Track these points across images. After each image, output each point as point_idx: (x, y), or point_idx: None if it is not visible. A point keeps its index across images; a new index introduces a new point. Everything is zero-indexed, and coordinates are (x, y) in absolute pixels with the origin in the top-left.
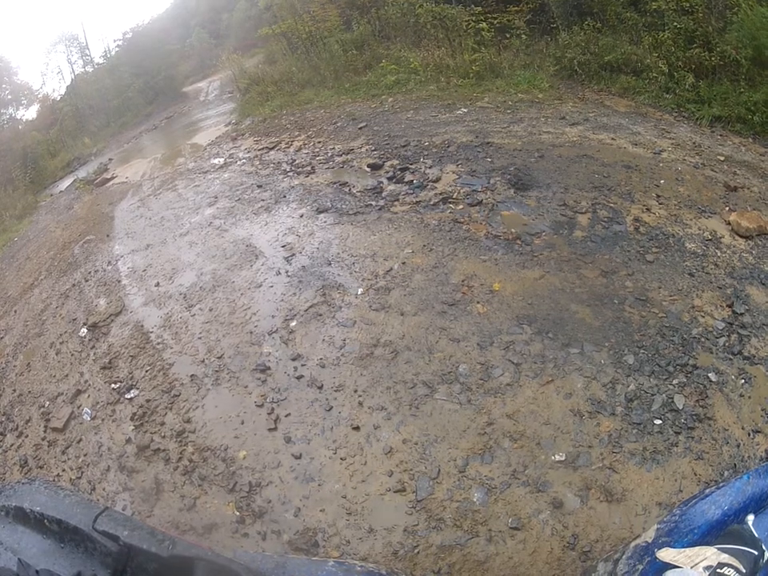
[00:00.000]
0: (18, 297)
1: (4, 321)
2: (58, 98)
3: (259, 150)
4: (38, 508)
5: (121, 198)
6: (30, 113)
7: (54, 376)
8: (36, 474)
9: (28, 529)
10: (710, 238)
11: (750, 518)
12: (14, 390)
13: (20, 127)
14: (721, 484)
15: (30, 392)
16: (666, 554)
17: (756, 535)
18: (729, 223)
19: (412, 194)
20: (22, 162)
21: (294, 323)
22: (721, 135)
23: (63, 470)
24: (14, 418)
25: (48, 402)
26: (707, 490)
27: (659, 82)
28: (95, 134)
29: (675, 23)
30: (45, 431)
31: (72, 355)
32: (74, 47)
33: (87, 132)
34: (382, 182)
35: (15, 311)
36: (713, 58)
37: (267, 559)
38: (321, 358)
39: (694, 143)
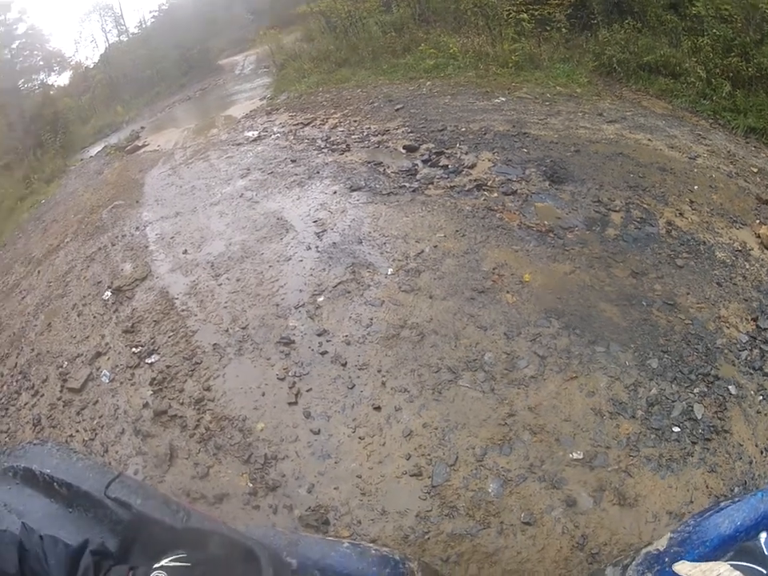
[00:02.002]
0: (42, 258)
1: (27, 281)
2: (91, 66)
3: (294, 125)
4: (48, 470)
5: (152, 166)
6: (62, 79)
7: (75, 337)
8: (49, 433)
9: (36, 491)
10: (739, 249)
11: (763, 535)
12: (33, 350)
13: (51, 93)
14: (735, 499)
15: (48, 352)
16: (681, 567)
17: (767, 554)
18: (759, 236)
19: (447, 178)
20: (52, 126)
21: (321, 299)
22: (755, 147)
23: (77, 431)
24: (30, 377)
25: (66, 363)
26: (722, 504)
27: (697, 87)
28: (128, 102)
29: (714, 30)
30: (61, 391)
31: (94, 317)
32: (108, 17)
33: (120, 100)
34: (416, 165)
35: (39, 272)
36: (750, 69)
37: (280, 536)
38: (346, 336)
39: (728, 152)
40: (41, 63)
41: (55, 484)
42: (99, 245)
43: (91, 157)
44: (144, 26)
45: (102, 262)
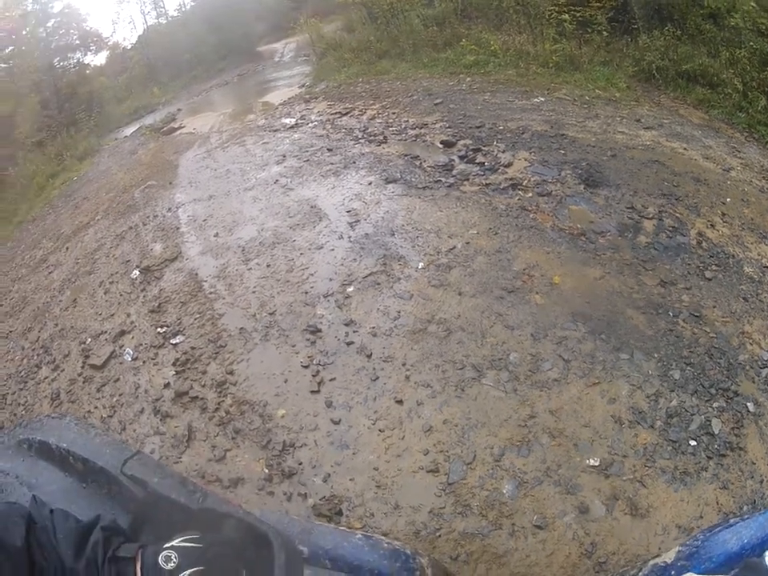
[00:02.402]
0: (71, 234)
1: (55, 257)
2: (129, 47)
3: (332, 114)
4: (64, 444)
5: (187, 148)
6: (98, 59)
7: (100, 314)
8: (67, 408)
9: (50, 464)
10: (767, 265)
11: None
12: (56, 324)
13: (87, 72)
14: (745, 516)
15: (72, 327)
16: None
17: None
18: None
19: (482, 175)
20: (87, 105)
21: (351, 289)
22: None
23: (95, 408)
24: (52, 352)
25: (90, 339)
26: (731, 520)
27: (733, 99)
28: (165, 84)
29: (752, 43)
30: (82, 367)
31: (121, 296)
32: None
33: (156, 82)
34: (453, 160)
35: (67, 248)
36: None
37: (294, 523)
38: (373, 327)
39: (762, 166)
40: (77, 42)
41: (71, 458)
42: (130, 224)
43: (126, 137)
44: (184, 9)
45: (132, 241)
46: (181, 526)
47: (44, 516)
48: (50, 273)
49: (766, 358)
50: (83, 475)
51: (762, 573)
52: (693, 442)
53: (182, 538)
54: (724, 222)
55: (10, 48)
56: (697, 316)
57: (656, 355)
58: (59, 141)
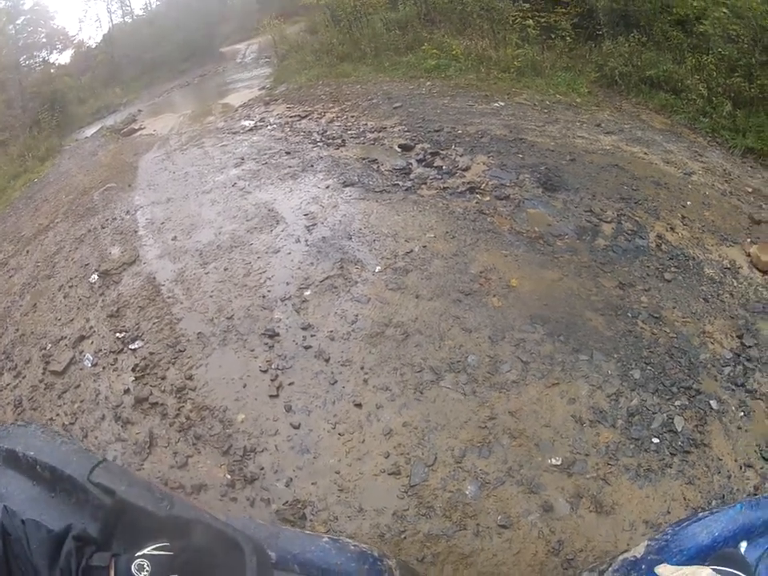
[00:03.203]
0: (31, 237)
1: (15, 260)
2: (94, 46)
3: (291, 117)
4: (31, 453)
5: (146, 150)
6: (63, 57)
7: (60, 319)
8: (29, 415)
9: (18, 473)
10: (728, 266)
11: (743, 544)
12: (17, 330)
13: (52, 71)
14: (714, 510)
15: (32, 333)
16: (663, 570)
17: (748, 561)
18: (749, 255)
19: (440, 179)
20: (51, 105)
21: (308, 292)
22: (751, 167)
23: (57, 415)
24: (13, 358)
25: (50, 345)
26: (700, 514)
27: (697, 105)
28: (127, 84)
29: (720, 49)
30: (43, 373)
31: (80, 300)
32: None
33: (119, 82)
34: (411, 164)
35: (27, 251)
36: (752, 89)
37: (260, 528)
38: (331, 331)
39: (724, 170)
40: (44, 41)
41: (38, 467)
42: (89, 227)
43: (87, 137)
44: (149, 8)
45: (90, 244)
46: (150, 533)
47: (16, 527)
48: (10, 277)
49: (728, 357)
50: (51, 484)
51: (738, 562)
52: (655, 440)
53: (153, 546)
54: (684, 224)
55: None
56: (656, 317)
57: (615, 356)
58: (22, 141)
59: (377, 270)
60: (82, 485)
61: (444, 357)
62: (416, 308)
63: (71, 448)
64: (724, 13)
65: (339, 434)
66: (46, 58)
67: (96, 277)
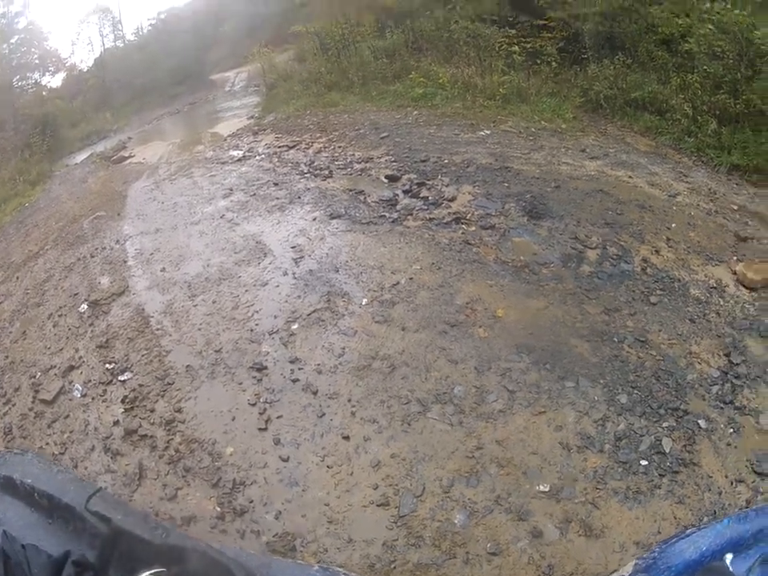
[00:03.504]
0: (21, 264)
1: (5, 286)
2: (85, 69)
3: (279, 147)
4: (29, 480)
5: (136, 178)
6: (55, 80)
7: (49, 348)
8: (19, 443)
9: (16, 500)
10: (714, 286)
11: (729, 556)
12: (7, 357)
13: (44, 93)
14: (702, 526)
15: (22, 360)
16: None
17: (734, 572)
18: (735, 273)
19: (426, 210)
20: (42, 128)
21: (295, 326)
22: (737, 184)
23: (47, 444)
24: (3, 385)
25: (39, 374)
26: (688, 531)
27: (682, 125)
28: (118, 109)
29: (705, 67)
30: (33, 402)
31: (69, 330)
32: (107, 20)
33: (110, 107)
34: (397, 195)
35: (17, 278)
36: (738, 106)
37: (252, 557)
38: (318, 364)
39: (709, 189)
40: (36, 62)
41: (36, 494)
42: (78, 255)
43: (77, 163)
44: (141, 33)
45: (80, 273)
46: (146, 560)
47: (17, 551)
48: (0, 303)
49: (715, 375)
50: (49, 511)
51: (725, 574)
52: (644, 462)
53: (148, 573)
54: (669, 246)
55: None
56: (642, 341)
57: (602, 381)
58: (13, 164)
59: (363, 303)
60: (79, 513)
61: (430, 388)
62: (402, 340)
63: (68, 477)
64: (710, 29)
65: (328, 467)
66: (39, 80)
67: (85, 306)
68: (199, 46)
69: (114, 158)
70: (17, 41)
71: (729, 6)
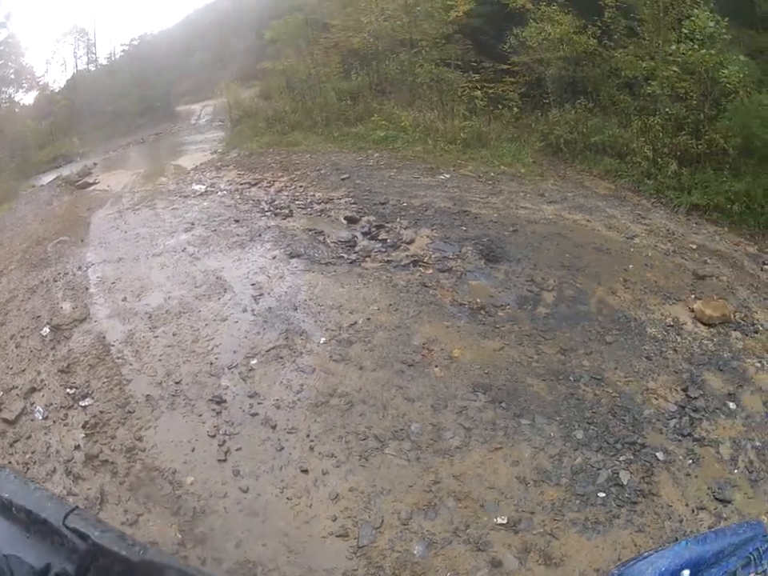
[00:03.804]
0: None
1: None
2: (57, 90)
3: (241, 184)
4: (6, 494)
5: (100, 206)
6: (28, 98)
7: (11, 368)
8: None
9: None
10: (671, 324)
11: (686, 572)
12: None
13: (16, 110)
14: (659, 548)
15: None
16: None
17: None
18: (693, 310)
19: (384, 252)
20: (11, 147)
21: (254, 361)
22: (696, 223)
23: (9, 462)
24: None
25: (1, 393)
26: (645, 553)
27: (642, 167)
28: (85, 134)
29: (667, 109)
30: None
31: (31, 352)
32: (81, 42)
33: (78, 131)
34: (356, 236)
35: None
36: (699, 146)
37: None
38: (277, 399)
39: (668, 230)
40: (12, 77)
41: (14, 509)
42: (42, 278)
43: (42, 185)
44: (113, 58)
45: (43, 296)
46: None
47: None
48: None
49: (673, 410)
50: (26, 525)
51: None
52: (602, 494)
53: None
54: (626, 287)
55: None
56: (598, 378)
57: (558, 418)
58: None
59: (321, 342)
60: (57, 528)
61: (388, 425)
62: (360, 378)
63: (45, 494)
64: (674, 71)
65: (287, 498)
66: (13, 96)
67: (47, 330)
68: (168, 75)
69: (79, 182)
70: None
71: (696, 47)
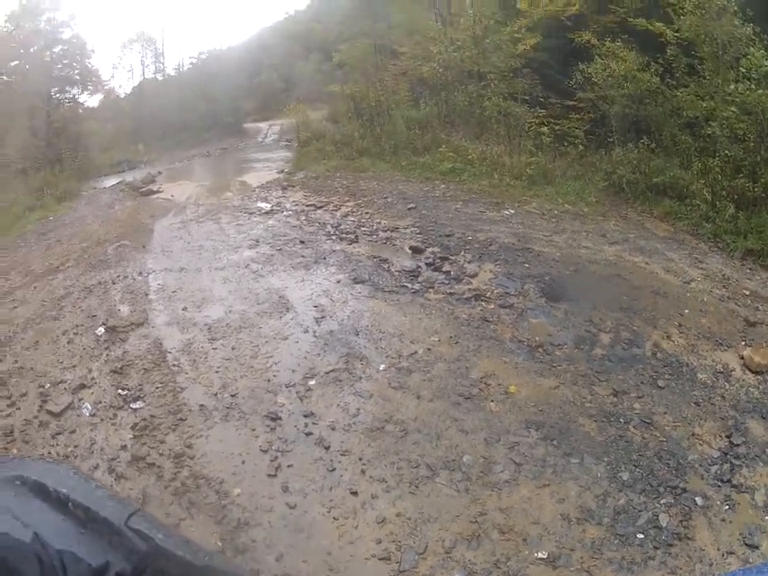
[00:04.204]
0: (40, 275)
1: (21, 292)
2: (123, 96)
3: (307, 205)
4: (64, 490)
5: (163, 215)
6: (92, 100)
7: (61, 362)
8: (20, 447)
9: (47, 506)
10: (721, 370)
11: None
12: (16, 362)
13: (80, 111)
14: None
15: (32, 369)
16: None
17: None
18: (742, 357)
19: (447, 284)
20: (74, 146)
21: (312, 382)
22: (750, 269)
23: (49, 453)
24: (9, 387)
25: (48, 385)
26: None
27: (701, 210)
28: (149, 143)
29: (726, 150)
30: (39, 410)
31: (84, 349)
32: (149, 50)
33: (143, 138)
34: (420, 267)
35: (35, 287)
36: (756, 189)
37: None
38: (333, 421)
39: (723, 275)
40: (77, 77)
41: (71, 504)
42: (100, 279)
43: (105, 188)
44: (181, 69)
45: (100, 296)
46: None
47: (51, 555)
48: (14, 308)
49: (715, 456)
50: (83, 522)
51: None
52: (640, 535)
53: None
54: (680, 332)
55: (15, 62)
56: (648, 422)
57: (605, 459)
58: (42, 175)
59: (381, 368)
60: (117, 528)
61: (440, 455)
62: (416, 407)
63: (106, 493)
64: (732, 111)
65: (334, 518)
66: (77, 97)
67: (103, 330)
68: (235, 92)
69: (143, 189)
70: (60, 51)
71: (753, 87)
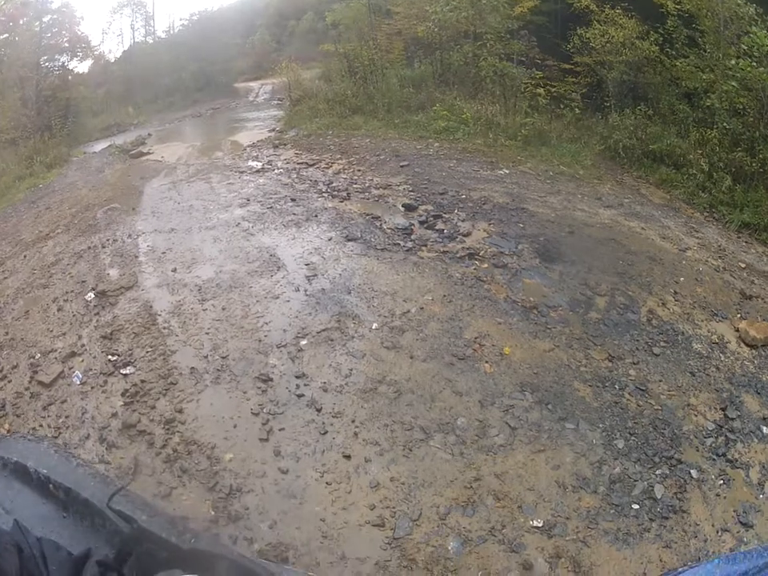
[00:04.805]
0: (30, 243)
1: (11, 262)
2: (113, 60)
3: (298, 163)
4: (44, 470)
5: (153, 176)
6: (82, 66)
7: (51, 331)
8: (12, 421)
9: (27, 488)
10: (716, 341)
11: None
12: (7, 333)
13: (69, 78)
14: (692, 565)
15: (22, 339)
16: None
17: None
18: (738, 330)
19: (441, 242)
20: (64, 112)
21: (304, 342)
22: (746, 242)
23: (40, 425)
24: (0, 360)
25: (39, 355)
26: (679, 569)
27: (697, 180)
28: (140, 105)
29: (725, 123)
30: (30, 382)
31: (74, 316)
32: (139, 14)
33: (133, 102)
34: (413, 225)
35: (25, 256)
36: (754, 164)
37: (289, 571)
38: (325, 382)
39: (719, 246)
40: (66, 45)
41: (51, 486)
42: (89, 244)
43: (95, 152)
44: (172, 32)
45: (89, 261)
46: (169, 564)
47: (31, 544)
48: (4, 278)
49: (711, 428)
50: (64, 504)
51: None
52: (635, 506)
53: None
54: (676, 300)
55: (5, 35)
56: (643, 389)
57: (601, 425)
58: (32, 144)
59: (373, 327)
60: (99, 509)
61: (434, 417)
62: (410, 368)
63: (88, 471)
64: (733, 86)
65: (327, 483)
66: (66, 64)
67: (92, 295)
68: (227, 52)
69: (133, 152)
70: (48, 20)
71: (755, 64)
